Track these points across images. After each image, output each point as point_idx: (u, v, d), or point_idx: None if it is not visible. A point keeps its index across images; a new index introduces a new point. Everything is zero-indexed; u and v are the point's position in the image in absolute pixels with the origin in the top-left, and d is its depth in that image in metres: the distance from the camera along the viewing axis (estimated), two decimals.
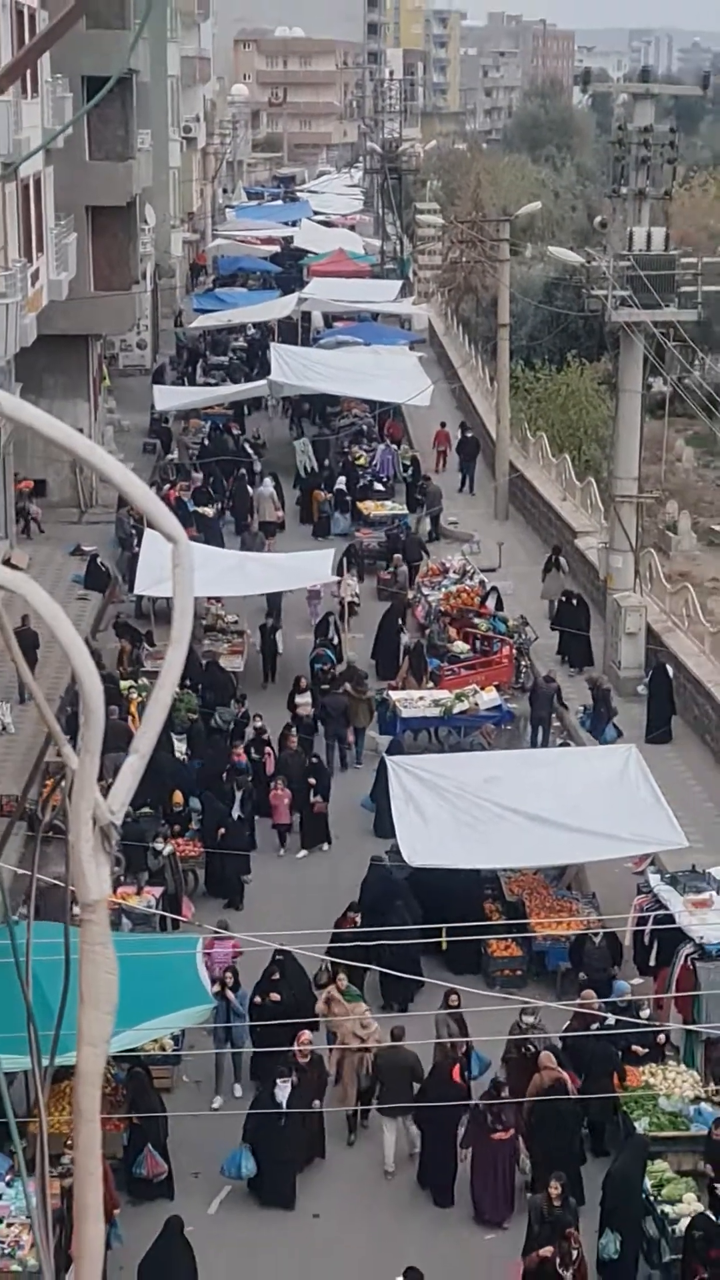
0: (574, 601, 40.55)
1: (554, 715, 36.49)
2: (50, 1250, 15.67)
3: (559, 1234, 19.43)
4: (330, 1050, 23.59)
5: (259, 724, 33.99)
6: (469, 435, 57.47)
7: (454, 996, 23.86)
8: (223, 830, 30.01)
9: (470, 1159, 21.96)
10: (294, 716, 35.17)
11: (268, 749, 33.36)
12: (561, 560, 44.17)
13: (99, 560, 45.11)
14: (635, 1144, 21.57)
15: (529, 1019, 23.51)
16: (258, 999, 24.29)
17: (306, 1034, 22.87)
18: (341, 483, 52.39)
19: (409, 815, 27.72)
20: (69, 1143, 19.02)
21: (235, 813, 31.06)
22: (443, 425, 59.49)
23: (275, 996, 24.13)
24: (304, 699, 35.68)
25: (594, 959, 26.22)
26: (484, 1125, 21.77)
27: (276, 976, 24.41)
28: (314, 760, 32.97)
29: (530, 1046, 23.13)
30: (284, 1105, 22.12)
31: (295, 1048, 22.69)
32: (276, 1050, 23.02)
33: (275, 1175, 22.14)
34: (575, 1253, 19.34)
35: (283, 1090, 22.17)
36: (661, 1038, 23.76)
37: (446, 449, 58.88)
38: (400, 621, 40.65)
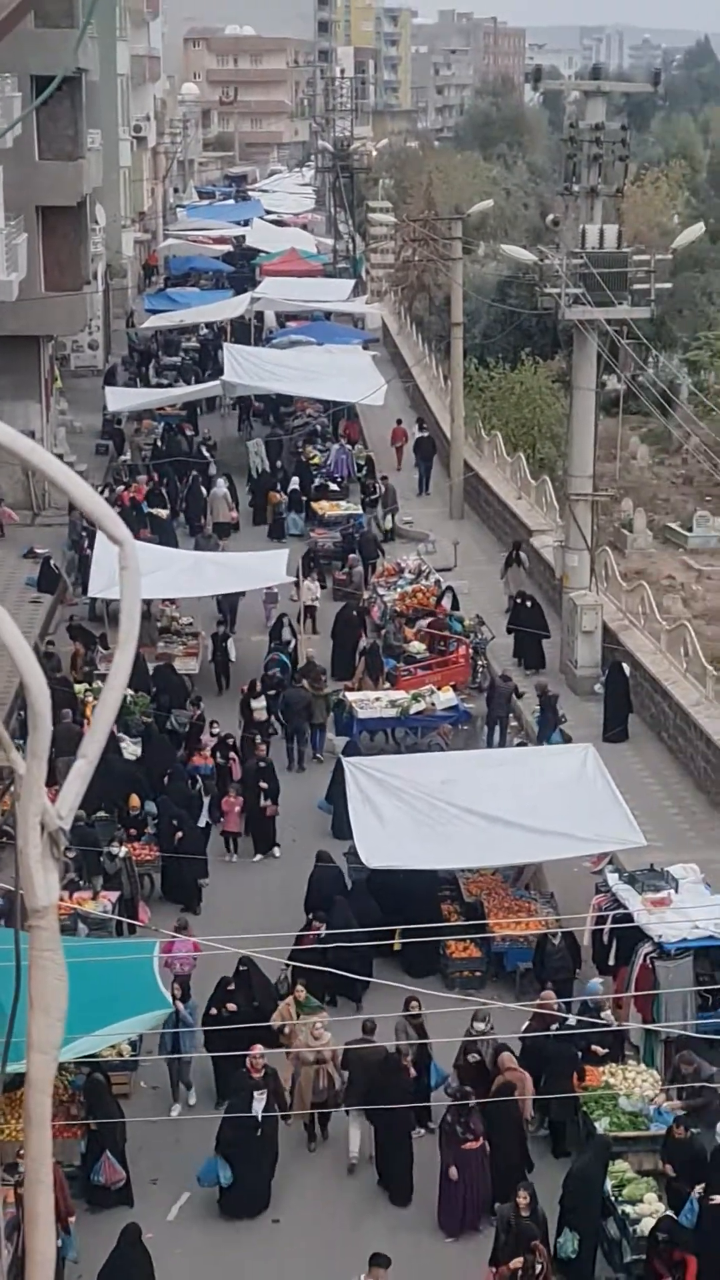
0: (529, 604, 40.44)
1: (511, 714, 36.56)
2: (5, 1260, 15.62)
3: (524, 1245, 19.42)
4: (286, 1061, 23.35)
5: (217, 730, 33.85)
6: (424, 434, 57.42)
7: (414, 1003, 23.79)
8: (180, 834, 29.95)
9: (442, 1169, 21.71)
10: (249, 722, 35.10)
11: (233, 755, 33.15)
12: (522, 555, 44.33)
13: (52, 563, 44.99)
14: (597, 1144, 21.61)
15: (479, 1025, 23.49)
16: (214, 1010, 24.17)
17: (258, 1047, 22.62)
18: (295, 483, 52.32)
19: (366, 817, 27.71)
20: (22, 1151, 18.97)
21: (203, 819, 30.97)
22: (399, 422, 59.56)
23: (231, 1007, 24.00)
24: (259, 703, 35.62)
25: (553, 959, 26.26)
26: (454, 1136, 21.65)
27: (232, 987, 24.28)
28: (262, 764, 32.90)
29: (477, 1053, 23.15)
30: (259, 1117, 22.01)
31: (249, 1057, 22.49)
32: (236, 1056, 22.90)
33: (250, 1184, 22.04)
34: (540, 1266, 19.32)
35: (258, 1102, 22.05)
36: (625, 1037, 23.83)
37: (404, 445, 59.23)
38: (362, 623, 40.59)
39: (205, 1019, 24.12)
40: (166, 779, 31.84)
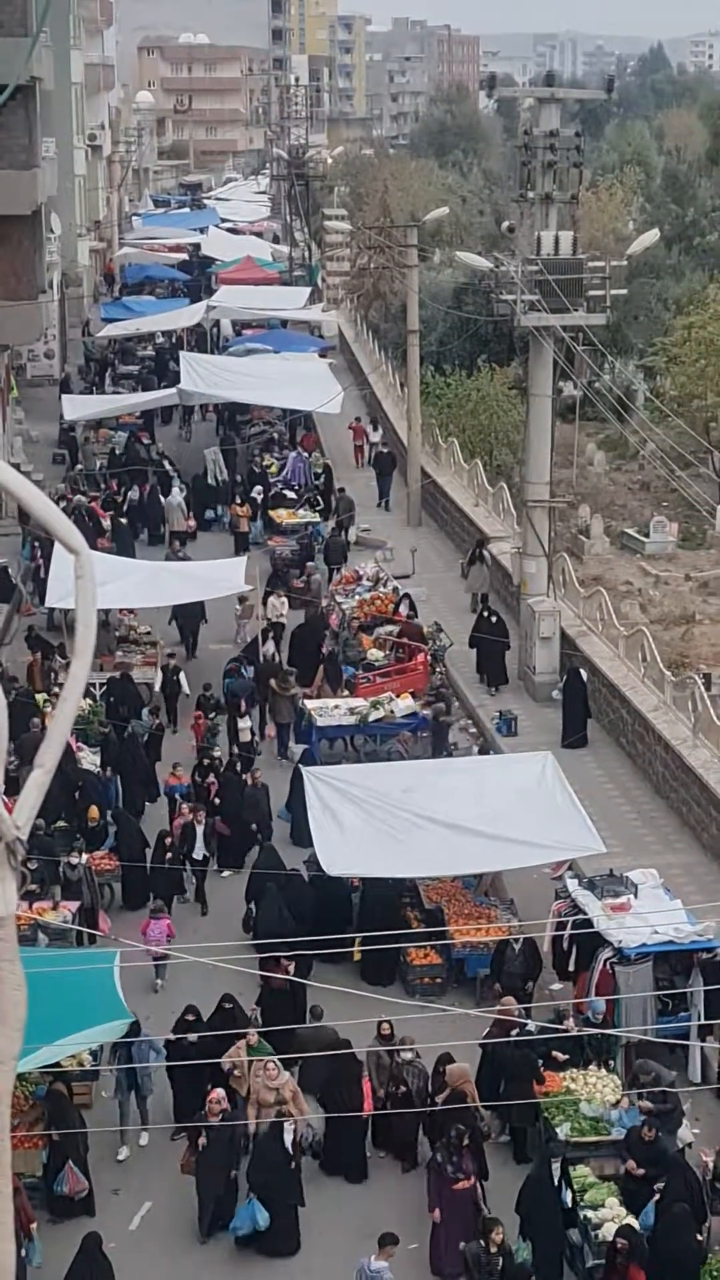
0: (493, 619, 39.94)
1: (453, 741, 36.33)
2: None
3: None
4: (247, 1106, 22.63)
5: (180, 771, 33.12)
6: (384, 449, 57.27)
7: (385, 1025, 23.65)
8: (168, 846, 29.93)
9: (435, 1212, 21.28)
10: (238, 744, 34.94)
11: (211, 775, 32.39)
12: (485, 554, 44.51)
13: (9, 572, 44.88)
14: (546, 1152, 21.65)
15: (406, 1055, 23.22)
16: (175, 1037, 23.78)
17: (218, 1092, 22.08)
18: (258, 491, 52.32)
19: (326, 825, 27.70)
20: None
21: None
22: (357, 420, 59.63)
23: (192, 1038, 23.53)
24: (244, 723, 35.61)
25: (513, 965, 26.29)
26: (444, 1176, 21.37)
27: (192, 1018, 23.91)
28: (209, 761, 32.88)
29: (405, 1085, 22.99)
30: (290, 1149, 21.70)
31: (208, 1102, 22.04)
32: (197, 1089, 22.72)
33: (284, 1223, 21.51)
34: None
35: (289, 1134, 21.73)
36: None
37: (363, 443, 59.98)
38: (322, 631, 40.47)
39: (168, 1047, 23.70)
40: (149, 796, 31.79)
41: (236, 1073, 22.87)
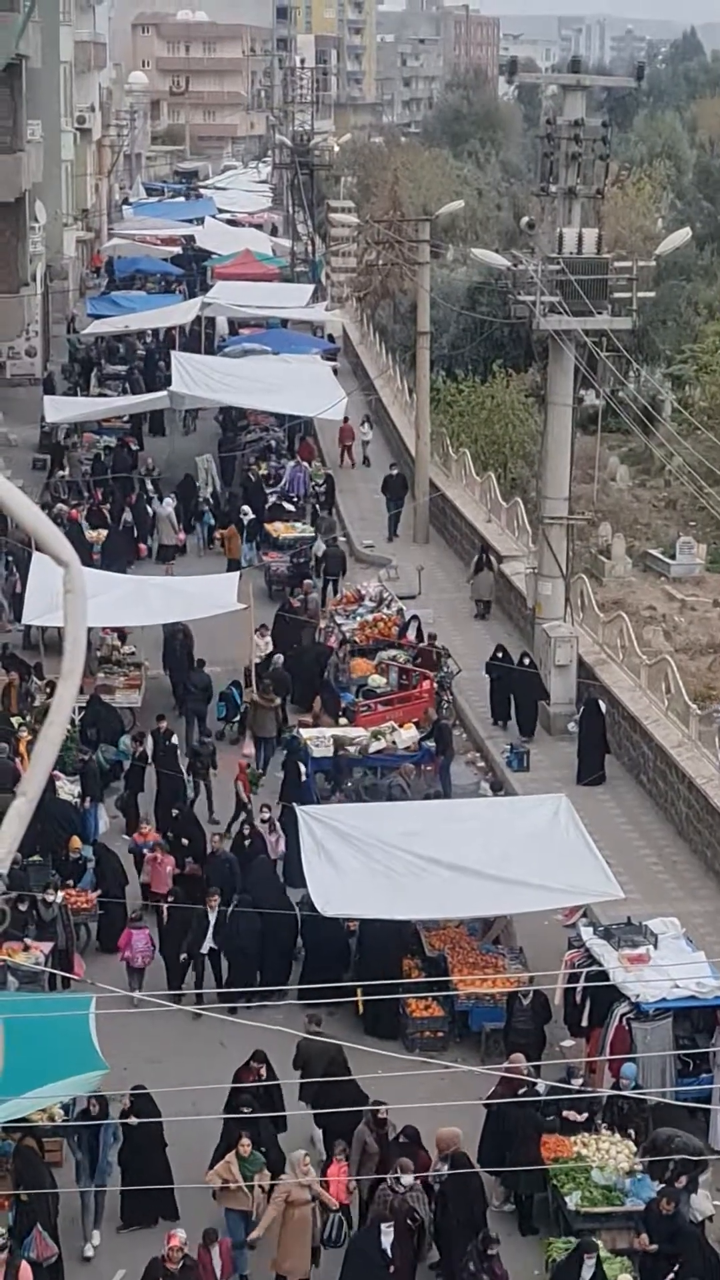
0: (525, 660, 38.80)
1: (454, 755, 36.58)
2: None
3: None
4: (270, 1207, 21.80)
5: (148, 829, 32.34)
6: (394, 473, 56.31)
7: (382, 1111, 23.02)
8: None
9: None
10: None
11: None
12: (491, 559, 44.79)
13: None
14: (582, 1246, 21.17)
15: (406, 1179, 21.85)
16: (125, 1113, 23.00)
17: (178, 1237, 20.82)
18: (249, 511, 51.88)
19: (320, 865, 27.65)
20: None
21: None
22: (345, 420, 59.74)
23: (132, 1120, 22.80)
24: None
25: (519, 1020, 26.21)
26: None
27: (140, 1091, 23.23)
28: (177, 812, 32.52)
29: (416, 1217, 21.96)
30: (389, 1252, 21.25)
31: (166, 1250, 20.81)
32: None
33: None
34: None
35: (386, 1236, 21.32)
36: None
37: (351, 444, 60.78)
38: (320, 653, 40.37)
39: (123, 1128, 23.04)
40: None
41: (231, 1186, 22.18)
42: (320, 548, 48.80)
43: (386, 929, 27.84)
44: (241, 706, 38.14)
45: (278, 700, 37.54)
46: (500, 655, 39.03)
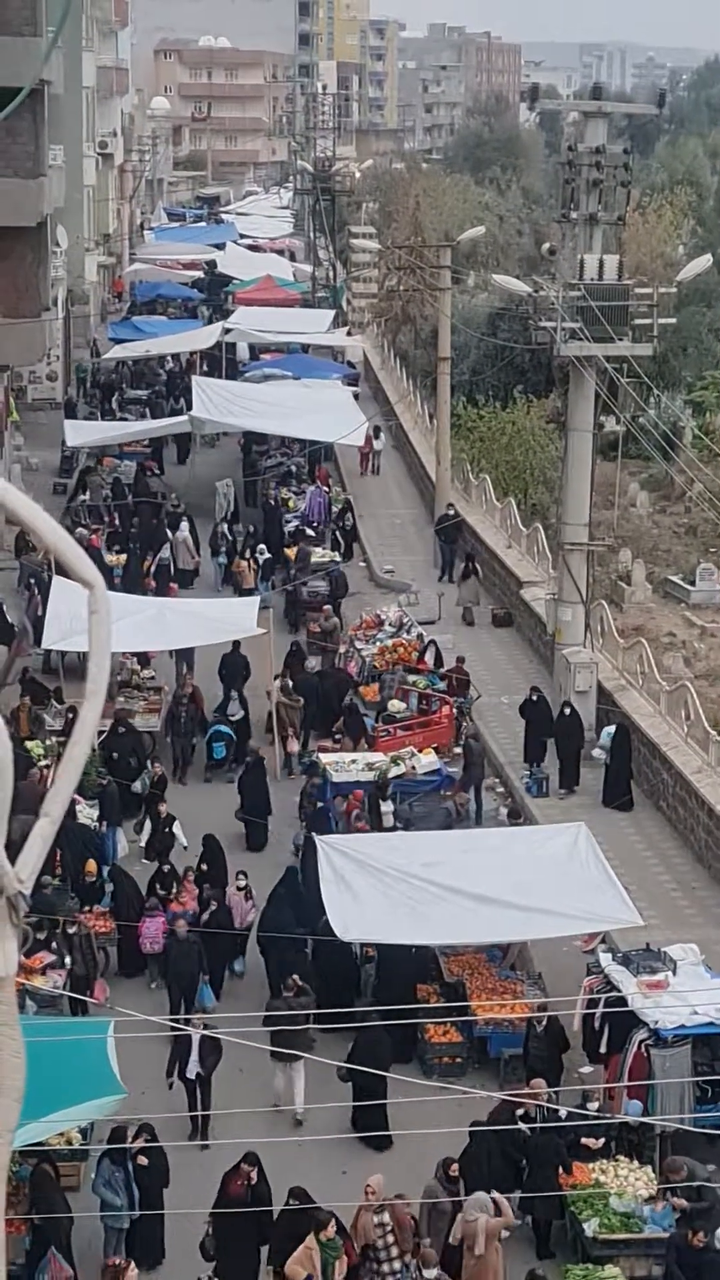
0: (567, 710, 37.51)
1: (485, 775, 36.60)
2: None
3: None
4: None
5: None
6: (451, 514, 53.16)
7: (454, 1166, 22.41)
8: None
9: None
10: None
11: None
12: (477, 567, 46.14)
13: (4, 610, 44.87)
14: None
15: (430, 1274, 21.20)
16: (141, 1158, 22.73)
17: None
18: (264, 550, 50.72)
19: (339, 893, 27.61)
20: None
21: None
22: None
23: (142, 1161, 22.49)
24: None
25: (535, 1047, 26.16)
26: None
27: (147, 1139, 22.66)
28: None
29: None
30: None
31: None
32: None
33: None
34: None
35: None
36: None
37: (369, 451, 61.60)
38: (345, 680, 40.37)
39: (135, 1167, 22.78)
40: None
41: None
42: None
43: (403, 956, 27.84)
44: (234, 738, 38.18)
45: (302, 700, 38.09)
46: (535, 698, 38.18)
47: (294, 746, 38.19)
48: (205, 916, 29.39)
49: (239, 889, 30.33)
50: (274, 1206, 21.81)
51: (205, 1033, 24.50)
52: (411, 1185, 22.67)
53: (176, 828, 33.47)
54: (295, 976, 26.47)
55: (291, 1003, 25.94)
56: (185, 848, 33.01)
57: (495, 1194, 21.67)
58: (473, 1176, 22.53)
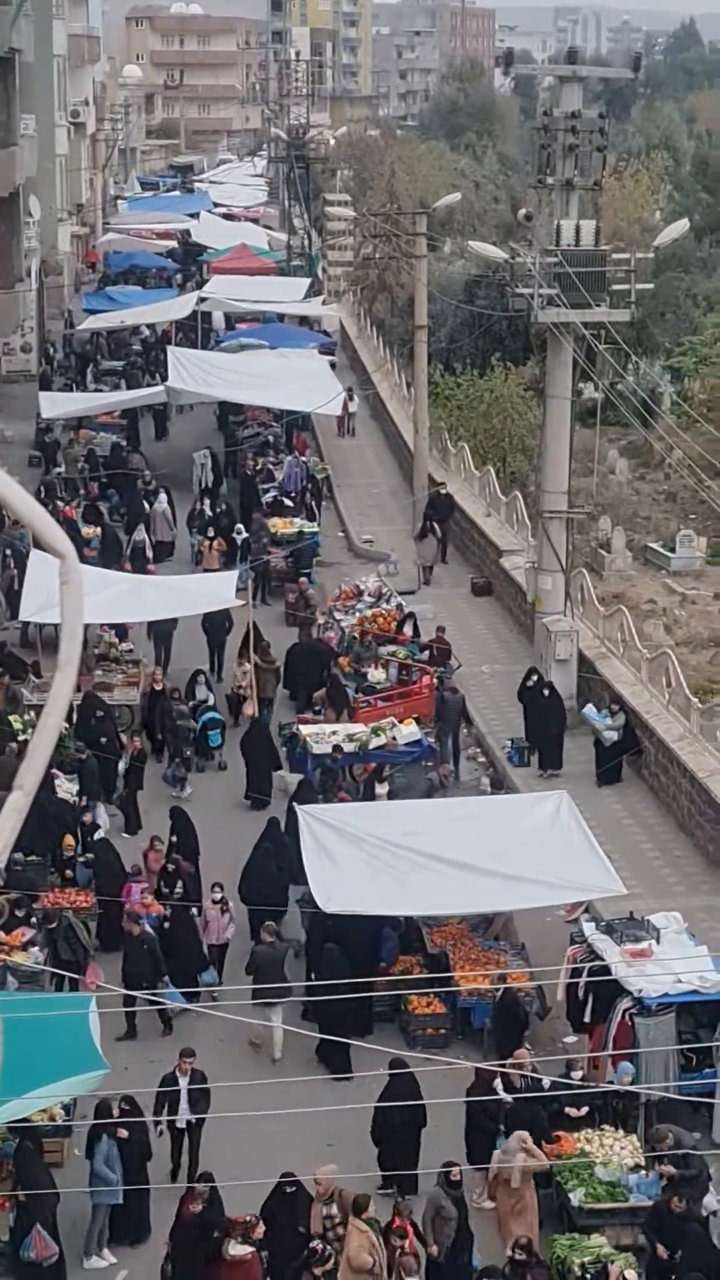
0: (546, 691, 37.37)
1: (462, 726, 36.63)
2: None
3: None
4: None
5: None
6: (442, 492, 51.88)
7: (455, 1170, 22.27)
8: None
9: None
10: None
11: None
12: (435, 525, 46.66)
13: None
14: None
15: None
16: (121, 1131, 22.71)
17: None
18: (241, 530, 49.67)
19: (321, 862, 27.66)
20: None
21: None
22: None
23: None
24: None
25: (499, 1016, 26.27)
26: None
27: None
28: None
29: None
30: None
31: None
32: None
33: None
34: None
35: None
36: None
37: (344, 414, 61.60)
38: (325, 651, 40.28)
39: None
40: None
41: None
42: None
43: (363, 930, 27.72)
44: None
45: (278, 661, 38.29)
46: (531, 682, 37.71)
47: (250, 709, 37.39)
48: (167, 926, 28.71)
49: (215, 902, 29.12)
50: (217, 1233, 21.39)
51: (194, 1086, 23.81)
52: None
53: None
54: (270, 922, 27.58)
55: (276, 947, 27.08)
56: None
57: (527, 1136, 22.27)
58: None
